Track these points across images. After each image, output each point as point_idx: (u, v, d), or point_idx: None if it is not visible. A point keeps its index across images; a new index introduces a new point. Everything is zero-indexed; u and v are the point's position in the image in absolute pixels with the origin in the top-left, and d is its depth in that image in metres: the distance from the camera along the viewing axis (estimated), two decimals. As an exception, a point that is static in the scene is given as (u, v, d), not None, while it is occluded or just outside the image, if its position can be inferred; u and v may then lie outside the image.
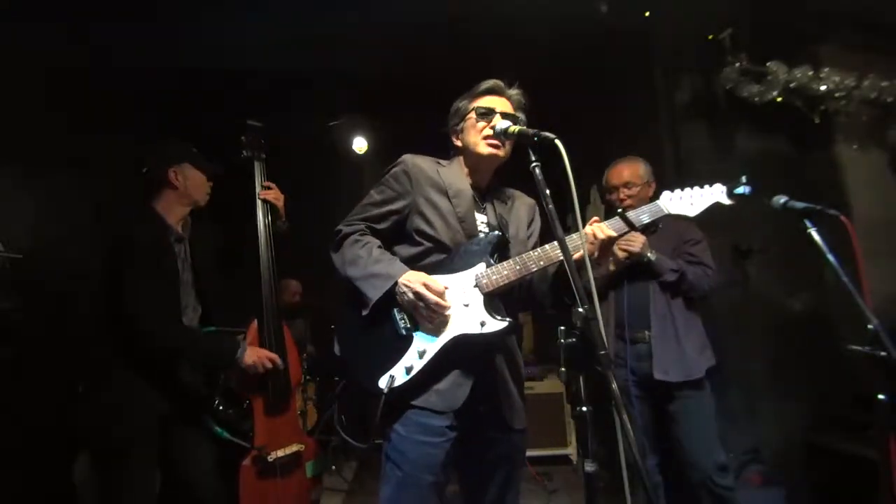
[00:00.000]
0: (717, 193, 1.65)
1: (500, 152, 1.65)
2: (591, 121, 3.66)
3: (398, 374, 1.49)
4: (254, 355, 2.08)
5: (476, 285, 1.55)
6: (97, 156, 2.85)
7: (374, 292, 1.50)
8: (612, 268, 2.37)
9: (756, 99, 2.98)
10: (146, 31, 2.91)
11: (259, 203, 2.31)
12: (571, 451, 3.80)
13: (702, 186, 1.66)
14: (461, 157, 1.73)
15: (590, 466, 1.20)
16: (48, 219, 2.71)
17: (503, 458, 1.62)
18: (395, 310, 1.54)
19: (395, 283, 1.49)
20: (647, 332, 2.33)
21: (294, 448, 2.21)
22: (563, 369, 1.24)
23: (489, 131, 1.62)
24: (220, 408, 2.10)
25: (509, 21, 2.92)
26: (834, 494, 2.61)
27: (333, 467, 3.97)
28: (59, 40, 2.73)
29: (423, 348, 1.50)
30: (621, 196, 2.41)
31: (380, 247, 1.61)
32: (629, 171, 2.42)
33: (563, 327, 1.24)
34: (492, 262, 1.57)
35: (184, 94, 3.21)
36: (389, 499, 1.48)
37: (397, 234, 1.67)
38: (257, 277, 2.25)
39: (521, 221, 1.76)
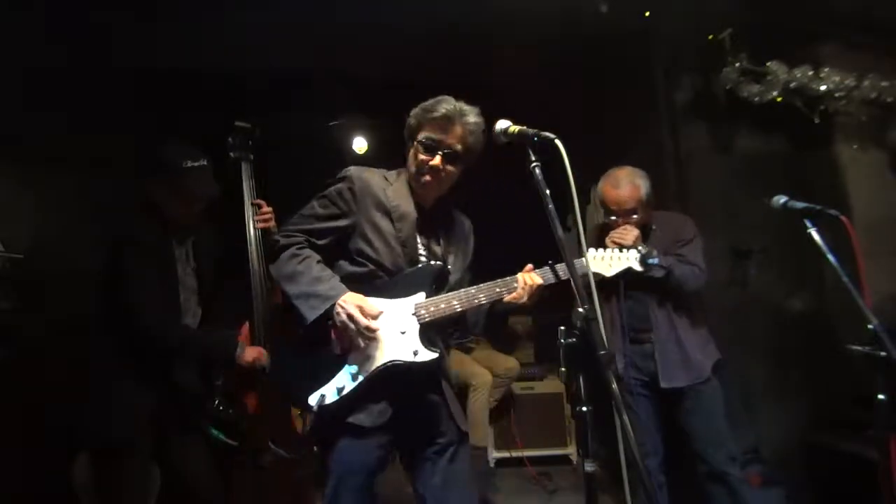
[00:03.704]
0: (632, 259, 1.77)
1: (437, 183, 1.65)
2: (592, 121, 3.66)
3: (329, 394, 1.52)
4: (253, 353, 2.08)
5: (414, 314, 1.58)
6: (97, 156, 2.84)
7: (310, 313, 1.51)
8: None
9: (756, 99, 2.97)
10: (146, 30, 2.91)
11: (248, 206, 2.28)
12: (571, 451, 3.80)
13: (621, 251, 1.79)
14: (408, 175, 1.71)
15: (590, 466, 1.20)
16: (48, 219, 2.71)
17: (445, 448, 1.66)
18: (332, 330, 1.56)
19: (333, 305, 1.50)
20: (650, 334, 2.32)
21: (289, 448, 2.21)
22: (563, 369, 1.24)
23: (428, 164, 1.61)
24: (221, 408, 2.10)
25: (509, 21, 2.92)
26: (834, 494, 2.61)
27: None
28: (59, 40, 2.73)
29: (355, 370, 1.54)
30: (625, 221, 2.26)
31: (319, 262, 1.61)
32: (630, 195, 2.24)
33: (563, 327, 1.24)
34: (432, 291, 1.61)
35: (184, 93, 3.21)
36: (330, 502, 1.55)
37: (339, 250, 1.67)
38: (248, 280, 2.24)
39: (459, 245, 1.79)
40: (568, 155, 1.25)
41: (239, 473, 2.11)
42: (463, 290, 1.62)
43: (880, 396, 1.52)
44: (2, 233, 2.42)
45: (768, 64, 2.96)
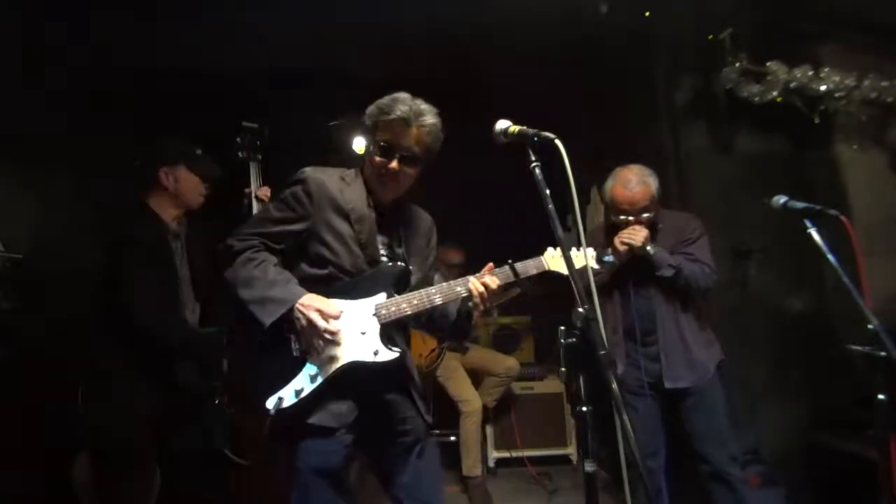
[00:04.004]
0: (589, 258, 1.76)
1: (397, 185, 1.65)
2: (591, 121, 3.66)
3: (287, 397, 1.50)
4: None
5: (375, 314, 1.58)
6: (97, 156, 2.84)
7: (268, 317, 1.48)
8: (615, 262, 2.31)
9: (756, 99, 2.97)
10: (146, 30, 2.91)
11: (255, 204, 2.31)
12: (571, 451, 3.80)
13: (577, 249, 1.74)
14: (365, 174, 1.70)
15: (590, 466, 1.20)
16: (48, 219, 2.71)
17: (412, 444, 1.66)
18: (291, 332, 1.54)
19: (291, 308, 1.49)
20: (656, 335, 2.33)
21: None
22: (563, 369, 1.24)
23: (386, 167, 1.60)
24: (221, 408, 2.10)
25: (510, 21, 2.92)
26: (834, 494, 2.61)
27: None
28: (59, 40, 2.73)
29: (314, 372, 1.52)
30: (636, 221, 2.27)
31: (276, 265, 1.59)
32: (642, 194, 2.25)
33: (563, 327, 1.24)
34: (393, 292, 1.61)
35: (184, 93, 3.21)
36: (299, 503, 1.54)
37: (298, 252, 1.64)
38: None
39: (420, 242, 1.78)
40: (568, 155, 1.25)
41: (238, 473, 2.11)
42: (423, 290, 1.61)
43: (880, 396, 1.52)
44: (2, 233, 2.41)
45: (768, 64, 2.96)
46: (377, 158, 1.61)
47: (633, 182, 2.27)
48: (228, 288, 1.56)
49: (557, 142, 1.28)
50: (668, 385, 2.28)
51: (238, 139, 2.37)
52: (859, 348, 1.55)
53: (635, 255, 2.25)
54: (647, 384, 2.32)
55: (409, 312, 1.59)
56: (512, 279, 1.64)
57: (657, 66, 3.22)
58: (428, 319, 1.77)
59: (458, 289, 1.61)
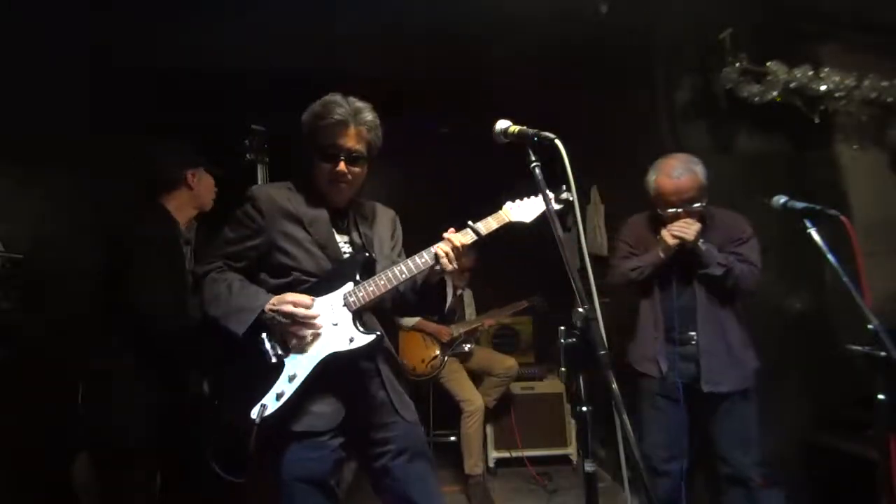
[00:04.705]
0: (550, 201, 1.74)
1: (349, 187, 1.66)
2: (592, 121, 3.66)
3: (269, 403, 1.49)
4: None
5: (344, 304, 1.58)
6: (97, 156, 2.84)
7: (239, 327, 1.49)
8: (661, 255, 2.25)
9: (756, 99, 2.97)
10: (147, 30, 2.91)
11: None
12: (571, 451, 3.80)
13: (536, 196, 1.75)
14: (313, 181, 1.70)
15: (590, 466, 1.20)
16: (48, 219, 2.71)
17: (400, 448, 1.64)
18: (265, 337, 1.53)
19: (262, 312, 1.50)
20: (692, 333, 2.25)
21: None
22: (563, 369, 1.24)
23: (333, 171, 1.61)
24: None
25: (509, 21, 2.92)
26: (834, 494, 2.61)
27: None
28: (59, 40, 2.73)
29: (293, 372, 1.51)
30: (686, 214, 2.20)
31: (241, 279, 1.60)
32: (690, 183, 2.17)
33: (563, 327, 1.24)
34: (359, 280, 1.61)
35: (184, 93, 3.21)
36: None
37: (261, 266, 1.65)
38: None
39: (384, 235, 1.79)
40: (568, 155, 1.26)
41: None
42: (388, 269, 1.61)
43: (880, 396, 1.52)
44: (2, 233, 2.42)
45: (768, 64, 2.96)
46: (323, 164, 1.63)
47: (679, 170, 2.20)
48: (203, 313, 1.57)
49: (557, 142, 1.29)
50: (706, 389, 2.16)
51: (246, 141, 2.42)
52: (859, 348, 1.55)
53: (683, 250, 2.18)
54: (679, 386, 2.22)
55: (377, 294, 1.59)
56: (474, 238, 1.64)
57: (657, 66, 3.21)
58: (402, 300, 1.77)
59: (421, 260, 1.60)
